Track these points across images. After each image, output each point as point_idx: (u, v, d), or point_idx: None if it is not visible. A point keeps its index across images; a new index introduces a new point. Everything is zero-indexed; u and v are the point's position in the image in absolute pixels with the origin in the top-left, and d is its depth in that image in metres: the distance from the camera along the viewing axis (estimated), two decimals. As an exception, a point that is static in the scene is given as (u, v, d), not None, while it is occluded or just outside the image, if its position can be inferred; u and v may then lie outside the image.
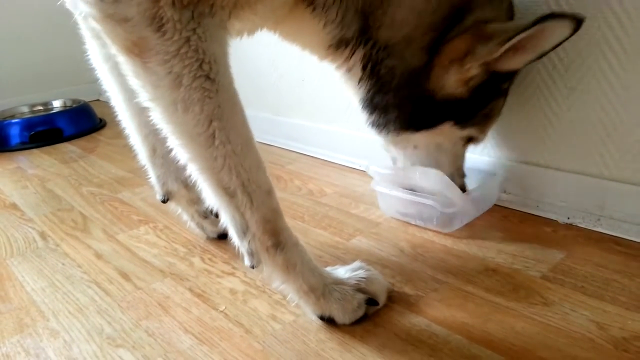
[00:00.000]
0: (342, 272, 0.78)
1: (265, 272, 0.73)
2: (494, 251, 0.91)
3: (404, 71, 0.84)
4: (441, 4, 0.80)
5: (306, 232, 1.05)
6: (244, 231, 0.70)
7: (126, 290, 0.91)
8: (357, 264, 0.81)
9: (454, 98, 0.86)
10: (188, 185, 0.99)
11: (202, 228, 1.06)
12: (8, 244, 1.14)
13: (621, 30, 0.84)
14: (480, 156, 1.10)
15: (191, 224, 1.06)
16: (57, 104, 2.35)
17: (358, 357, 0.69)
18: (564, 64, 0.92)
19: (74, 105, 2.23)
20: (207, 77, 0.62)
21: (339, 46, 0.85)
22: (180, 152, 0.67)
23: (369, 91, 0.88)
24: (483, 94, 0.87)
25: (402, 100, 0.87)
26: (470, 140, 0.96)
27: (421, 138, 0.92)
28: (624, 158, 0.89)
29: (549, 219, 1.00)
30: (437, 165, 0.96)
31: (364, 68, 0.86)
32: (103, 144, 1.93)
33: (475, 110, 0.90)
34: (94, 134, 2.07)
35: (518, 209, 1.05)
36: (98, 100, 2.67)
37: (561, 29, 0.75)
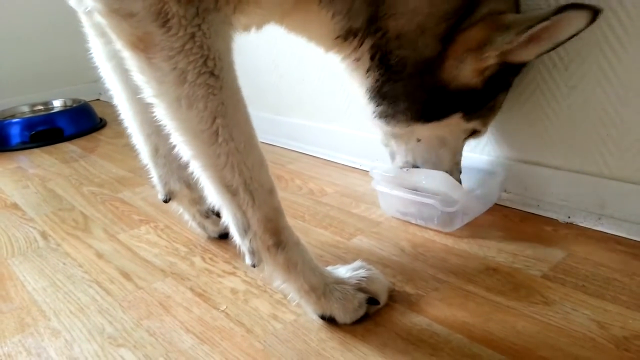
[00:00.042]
0: (343, 271, 0.78)
1: (266, 271, 0.73)
2: (495, 250, 0.91)
3: (416, 61, 0.84)
4: None
5: (307, 232, 1.05)
6: (245, 230, 0.70)
7: (127, 289, 0.91)
8: (357, 263, 0.81)
9: (468, 88, 0.86)
10: (190, 185, 0.99)
11: (204, 228, 1.06)
12: (9, 243, 1.14)
13: (621, 29, 0.84)
14: (481, 155, 1.10)
15: (192, 224, 1.06)
16: (57, 104, 2.35)
17: (359, 357, 0.69)
18: (564, 62, 0.92)
19: (75, 105, 2.23)
20: (212, 73, 0.62)
21: (347, 37, 0.85)
22: (184, 149, 0.67)
23: (377, 81, 0.87)
24: (494, 85, 0.87)
25: (414, 90, 0.86)
26: (472, 134, 0.96)
27: (426, 131, 0.92)
28: (624, 157, 0.89)
29: (550, 218, 1.00)
30: (438, 159, 0.96)
31: (372, 58, 0.86)
32: (103, 143, 1.93)
33: (485, 102, 0.90)
34: (94, 134, 2.07)
35: (519, 208, 1.05)
36: (98, 99, 2.67)
37: (578, 19, 0.75)
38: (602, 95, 0.89)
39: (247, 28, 0.77)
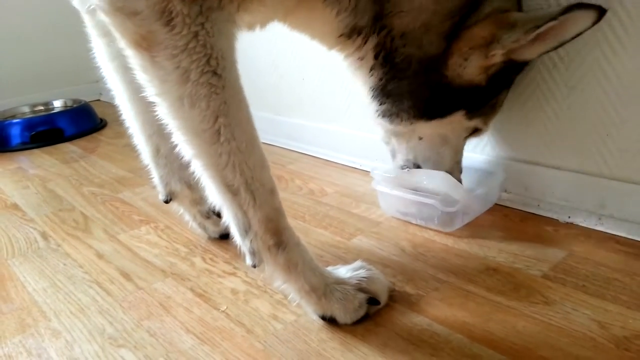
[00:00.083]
0: (343, 271, 0.78)
1: (267, 272, 0.73)
2: (495, 250, 0.91)
3: (420, 58, 0.84)
4: None
5: (307, 232, 1.05)
6: (246, 230, 0.70)
7: (127, 290, 0.91)
8: (358, 263, 0.81)
9: (472, 85, 0.86)
10: (191, 186, 0.99)
11: (204, 228, 1.06)
12: (9, 244, 1.14)
13: (621, 29, 0.84)
14: (481, 155, 1.10)
15: (193, 224, 1.06)
16: (57, 104, 2.35)
17: (359, 357, 0.69)
18: (564, 62, 0.92)
19: (75, 105, 2.23)
20: (214, 72, 0.62)
21: (351, 35, 0.85)
22: (185, 148, 0.67)
23: (381, 79, 0.88)
24: (497, 83, 0.88)
25: (418, 88, 0.86)
26: (473, 132, 0.96)
27: (428, 129, 0.92)
28: (624, 157, 0.89)
29: (550, 218, 1.00)
30: (439, 157, 0.96)
31: (376, 57, 0.86)
32: (104, 144, 1.93)
33: (487, 99, 0.90)
34: (94, 134, 2.07)
35: (519, 208, 1.05)
36: (98, 100, 2.67)
37: (584, 19, 0.75)
38: (602, 95, 0.89)
39: (251, 27, 0.77)
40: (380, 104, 0.90)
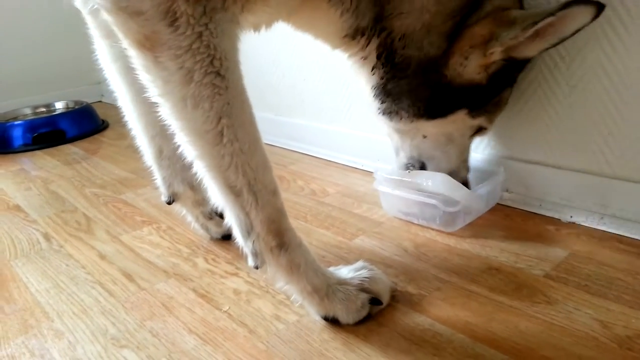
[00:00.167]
0: (345, 272, 0.78)
1: (269, 273, 0.73)
2: (497, 250, 0.91)
3: (420, 59, 0.84)
4: None
5: (309, 232, 1.05)
6: (248, 231, 0.70)
7: (130, 291, 0.91)
8: (360, 263, 0.81)
9: (473, 84, 0.86)
10: (194, 187, 0.99)
11: (207, 229, 1.06)
12: (12, 245, 1.14)
13: (622, 28, 0.84)
14: (482, 155, 1.10)
15: (195, 225, 1.06)
16: (59, 106, 2.35)
17: (362, 357, 0.69)
18: (565, 62, 0.92)
19: (77, 107, 2.23)
20: (218, 73, 0.62)
21: (354, 36, 0.85)
22: (188, 149, 0.67)
23: (382, 78, 0.88)
24: (499, 81, 0.88)
25: (417, 87, 0.87)
26: (478, 131, 0.96)
27: (432, 127, 0.93)
28: (626, 156, 0.89)
29: (552, 217, 1.00)
30: (444, 156, 0.96)
31: (378, 57, 0.87)
32: (106, 145, 1.94)
33: (490, 98, 0.90)
34: (96, 136, 2.07)
35: (521, 208, 1.05)
36: (100, 101, 2.67)
37: (583, 15, 0.75)
38: (603, 94, 0.89)
39: (256, 27, 0.77)
40: (381, 103, 0.90)
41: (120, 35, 0.62)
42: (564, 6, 0.74)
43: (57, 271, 1.00)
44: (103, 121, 2.22)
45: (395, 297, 0.80)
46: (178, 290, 0.89)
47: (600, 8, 0.74)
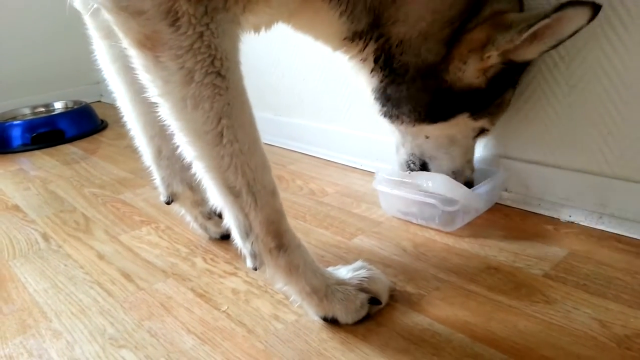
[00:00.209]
0: (344, 272, 0.78)
1: (268, 274, 0.73)
2: (496, 249, 0.91)
3: (418, 66, 0.85)
4: None
5: (308, 232, 1.05)
6: (247, 232, 0.70)
7: (128, 290, 0.91)
8: (359, 263, 0.81)
9: (472, 88, 0.86)
10: (193, 187, 0.99)
11: (206, 229, 1.06)
12: (10, 245, 1.14)
13: (622, 27, 0.84)
14: (482, 154, 1.10)
15: (194, 225, 1.06)
16: (58, 106, 2.35)
17: (360, 357, 0.69)
18: (564, 62, 0.92)
19: (76, 107, 2.23)
20: (218, 73, 0.62)
21: (353, 38, 0.85)
22: (187, 149, 0.67)
23: (381, 82, 0.89)
24: (499, 84, 0.88)
25: (417, 93, 0.87)
26: (481, 132, 0.96)
27: (434, 130, 0.93)
28: (625, 156, 0.89)
29: (551, 217, 1.00)
30: (448, 156, 0.97)
31: (375, 61, 0.87)
32: (105, 145, 1.93)
33: (491, 101, 0.90)
34: (95, 135, 2.07)
35: (520, 207, 1.05)
36: (99, 101, 2.67)
37: (579, 16, 0.75)
38: (603, 94, 0.89)
39: (257, 28, 0.77)
40: (382, 106, 0.91)
41: (120, 34, 0.62)
42: (559, 8, 0.73)
43: (56, 271, 1.00)
44: (102, 121, 2.22)
45: (394, 296, 0.80)
46: (177, 290, 0.89)
47: (596, 9, 0.74)
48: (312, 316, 0.77)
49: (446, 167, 0.98)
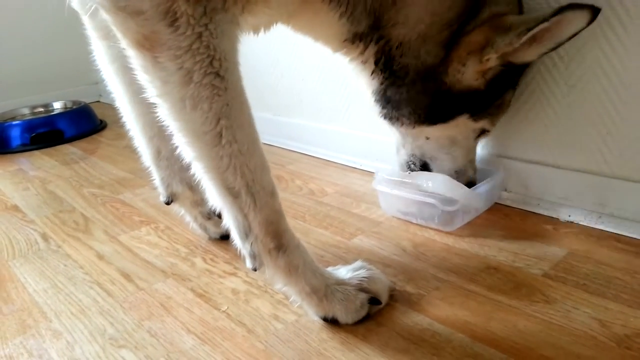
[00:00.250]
0: (343, 272, 0.78)
1: (267, 275, 0.73)
2: (496, 249, 0.91)
3: (418, 68, 0.85)
4: (457, 0, 0.81)
5: (307, 232, 1.05)
6: (246, 233, 0.70)
7: (128, 291, 0.91)
8: (358, 263, 0.81)
9: (472, 90, 0.87)
10: (192, 187, 0.99)
11: (205, 229, 1.06)
12: (10, 245, 1.14)
13: (621, 27, 0.84)
14: (481, 154, 1.10)
15: (194, 225, 1.06)
16: (57, 106, 2.35)
17: (360, 356, 0.69)
18: (564, 61, 0.92)
19: (75, 107, 2.23)
20: (217, 74, 0.62)
21: (354, 40, 0.85)
22: (186, 150, 0.67)
23: (381, 84, 0.89)
24: (498, 85, 0.88)
25: (416, 95, 0.87)
26: (481, 133, 0.97)
27: (434, 131, 0.93)
28: (624, 155, 0.89)
29: (550, 216, 1.00)
30: (449, 157, 0.97)
31: (376, 63, 0.87)
32: (104, 145, 1.93)
33: (491, 102, 0.90)
34: (94, 136, 2.07)
35: (519, 207, 1.05)
36: (98, 101, 2.67)
37: (578, 19, 0.76)
38: (602, 94, 0.89)
39: (256, 29, 0.77)
40: (382, 108, 0.91)
41: (118, 35, 0.62)
42: (558, 11, 0.74)
43: (55, 271, 1.00)
44: (101, 121, 2.21)
45: (394, 296, 0.80)
46: (176, 290, 0.89)
47: (595, 12, 0.74)
48: (312, 316, 0.77)
49: (448, 167, 0.98)
